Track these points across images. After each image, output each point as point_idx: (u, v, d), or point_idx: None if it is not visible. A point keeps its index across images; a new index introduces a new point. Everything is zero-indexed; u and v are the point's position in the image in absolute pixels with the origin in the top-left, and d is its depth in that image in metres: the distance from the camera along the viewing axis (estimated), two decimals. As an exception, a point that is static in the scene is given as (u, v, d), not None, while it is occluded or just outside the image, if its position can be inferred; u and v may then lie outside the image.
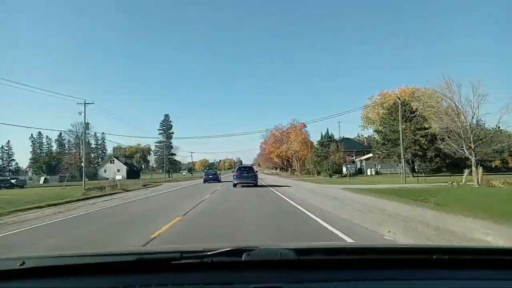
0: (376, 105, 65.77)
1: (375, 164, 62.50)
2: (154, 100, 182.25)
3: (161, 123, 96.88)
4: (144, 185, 36.19)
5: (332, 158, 60.18)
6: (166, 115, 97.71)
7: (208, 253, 1.37)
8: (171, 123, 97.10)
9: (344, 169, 63.92)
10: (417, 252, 1.70)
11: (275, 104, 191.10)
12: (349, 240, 6.46)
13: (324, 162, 61.04)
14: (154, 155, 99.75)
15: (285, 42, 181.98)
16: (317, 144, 69.00)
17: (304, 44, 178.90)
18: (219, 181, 37.88)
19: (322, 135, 70.04)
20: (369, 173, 60.59)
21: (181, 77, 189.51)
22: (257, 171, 33.65)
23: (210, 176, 38.96)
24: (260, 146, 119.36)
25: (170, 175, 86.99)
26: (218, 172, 53.53)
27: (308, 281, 1.27)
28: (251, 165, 51.28)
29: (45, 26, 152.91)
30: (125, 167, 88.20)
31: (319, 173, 66.13)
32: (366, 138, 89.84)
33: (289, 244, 2.37)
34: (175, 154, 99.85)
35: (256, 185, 25.99)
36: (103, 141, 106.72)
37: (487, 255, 1.57)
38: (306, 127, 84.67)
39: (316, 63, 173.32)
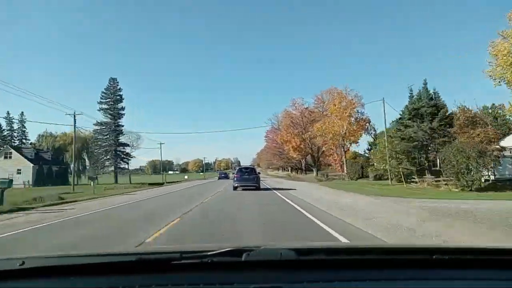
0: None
1: None
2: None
3: (103, 92, 57.24)
4: None
5: (466, 142, 23.19)
6: (113, 79, 57.65)
7: (208, 253, 1.36)
8: (121, 93, 57.56)
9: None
10: (417, 252, 1.67)
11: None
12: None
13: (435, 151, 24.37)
14: (95, 145, 60.09)
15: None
16: (402, 114, 31.36)
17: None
18: (228, 178, 50.49)
19: (411, 96, 32.69)
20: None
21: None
22: (259, 173, 27.86)
23: (223, 175, 59.76)
24: (266, 137, 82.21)
25: (128, 179, 50.09)
26: (227, 172, 72.67)
27: (308, 281, 1.27)
28: (252, 165, 39.99)
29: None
30: (32, 165, 50.42)
31: (406, 179, 29.50)
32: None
33: (289, 244, 2.35)
34: (127, 145, 61.42)
35: (258, 188, 23.25)
36: (23, 126, 68.81)
37: (487, 255, 1.54)
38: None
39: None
